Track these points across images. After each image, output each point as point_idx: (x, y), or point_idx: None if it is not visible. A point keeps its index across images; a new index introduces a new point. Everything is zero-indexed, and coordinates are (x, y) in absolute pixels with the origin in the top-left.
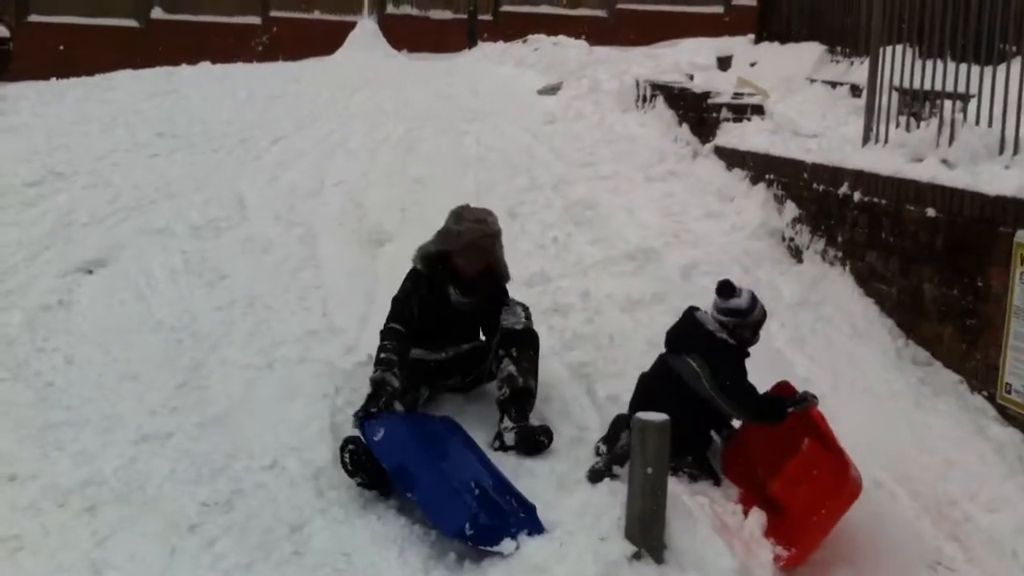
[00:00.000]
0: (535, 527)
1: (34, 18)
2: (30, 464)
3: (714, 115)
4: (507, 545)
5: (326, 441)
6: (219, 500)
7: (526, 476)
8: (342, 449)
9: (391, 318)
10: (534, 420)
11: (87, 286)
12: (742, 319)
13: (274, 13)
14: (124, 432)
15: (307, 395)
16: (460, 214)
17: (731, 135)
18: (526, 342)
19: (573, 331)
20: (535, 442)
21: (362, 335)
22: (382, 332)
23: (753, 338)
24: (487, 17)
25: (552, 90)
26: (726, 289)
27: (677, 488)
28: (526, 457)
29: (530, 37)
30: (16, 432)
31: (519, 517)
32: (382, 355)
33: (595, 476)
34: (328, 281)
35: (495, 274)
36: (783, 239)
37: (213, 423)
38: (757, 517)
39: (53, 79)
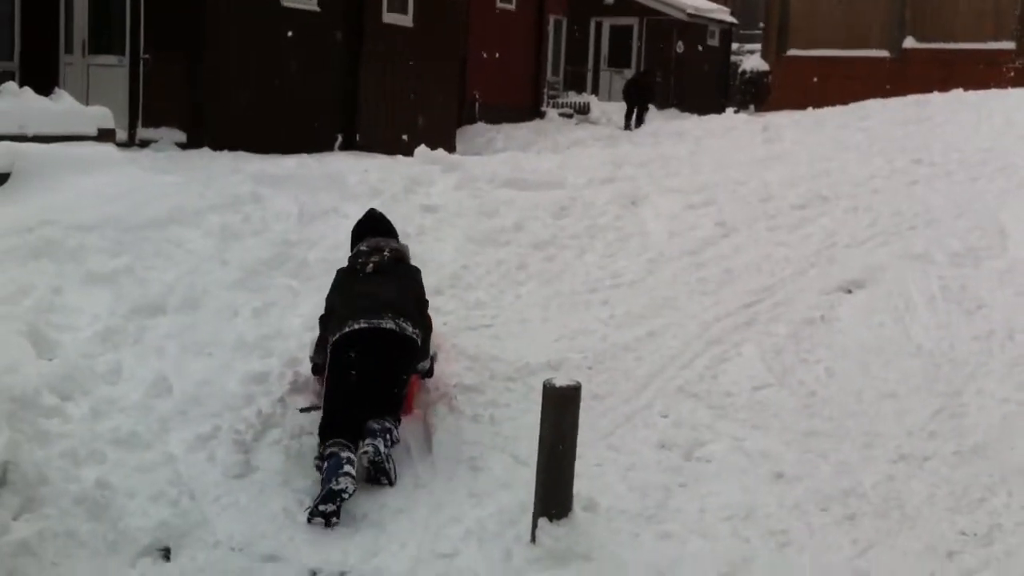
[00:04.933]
0: None
1: (792, 52)
2: (795, 467)
3: None
4: None
5: None
6: (978, 532)
7: None
8: None
9: None
10: None
11: (847, 305)
12: None
13: None
14: (883, 449)
15: None
16: None
17: None
18: None
19: None
20: None
21: None
22: None
23: None
24: None
25: None
26: None
27: None
28: None
29: None
30: (782, 435)
31: None
32: None
33: None
34: None
35: None
36: None
37: (970, 453)
38: None
39: (808, 108)
